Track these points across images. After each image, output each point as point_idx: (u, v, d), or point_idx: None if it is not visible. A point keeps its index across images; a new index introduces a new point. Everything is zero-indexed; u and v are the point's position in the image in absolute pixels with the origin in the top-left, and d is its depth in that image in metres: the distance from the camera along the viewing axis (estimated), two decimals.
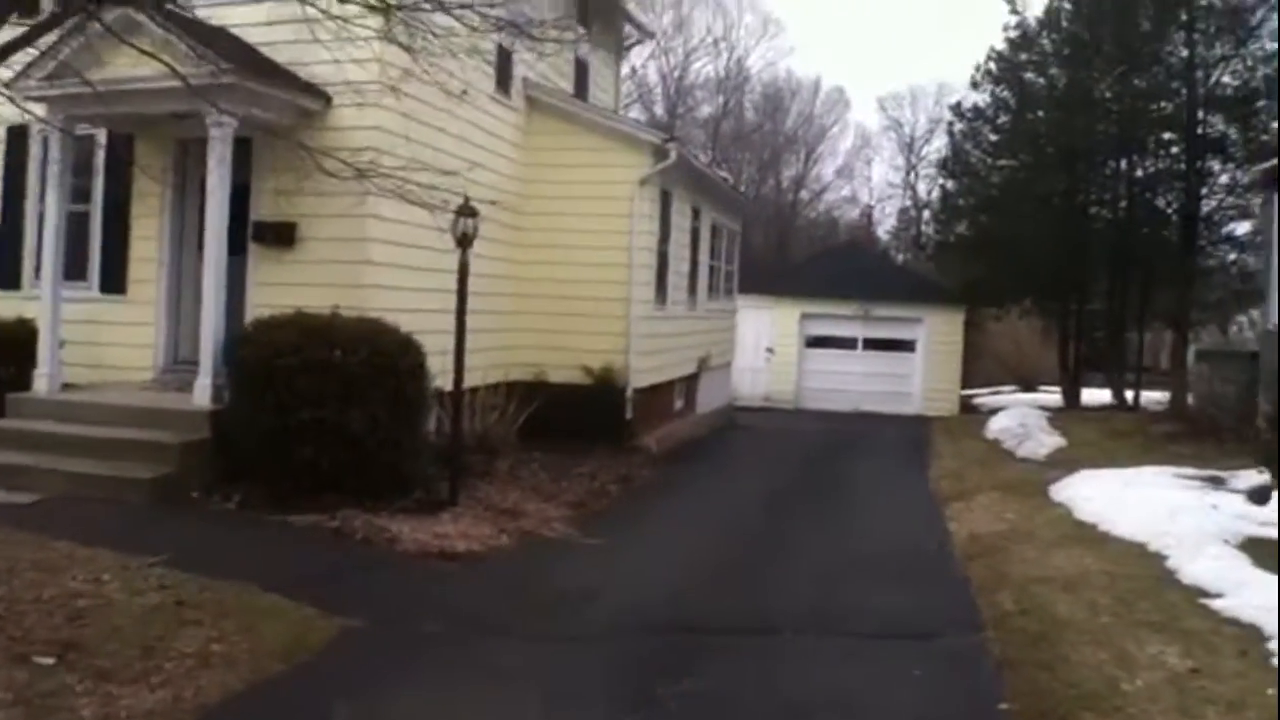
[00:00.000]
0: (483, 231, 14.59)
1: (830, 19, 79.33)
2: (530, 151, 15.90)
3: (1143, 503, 10.31)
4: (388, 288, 11.85)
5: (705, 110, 54.91)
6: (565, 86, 17.20)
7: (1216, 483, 12.15)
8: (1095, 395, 29.04)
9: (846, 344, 29.01)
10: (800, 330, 28.90)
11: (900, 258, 48.96)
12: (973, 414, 27.41)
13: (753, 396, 28.16)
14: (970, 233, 27.07)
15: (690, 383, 19.74)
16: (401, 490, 10.26)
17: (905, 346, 28.54)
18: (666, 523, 11.31)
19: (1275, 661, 6.04)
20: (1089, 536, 9.61)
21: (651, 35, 31.74)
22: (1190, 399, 19.53)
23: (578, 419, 14.80)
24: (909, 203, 59.20)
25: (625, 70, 42.11)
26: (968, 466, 15.35)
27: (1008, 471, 14.40)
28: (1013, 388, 37.59)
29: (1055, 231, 25.55)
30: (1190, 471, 12.78)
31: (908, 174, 60.59)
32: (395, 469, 10.21)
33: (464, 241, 10.51)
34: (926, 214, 59.69)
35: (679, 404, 19.03)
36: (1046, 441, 16.38)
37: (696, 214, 19.30)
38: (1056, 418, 20.66)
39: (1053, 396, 32.84)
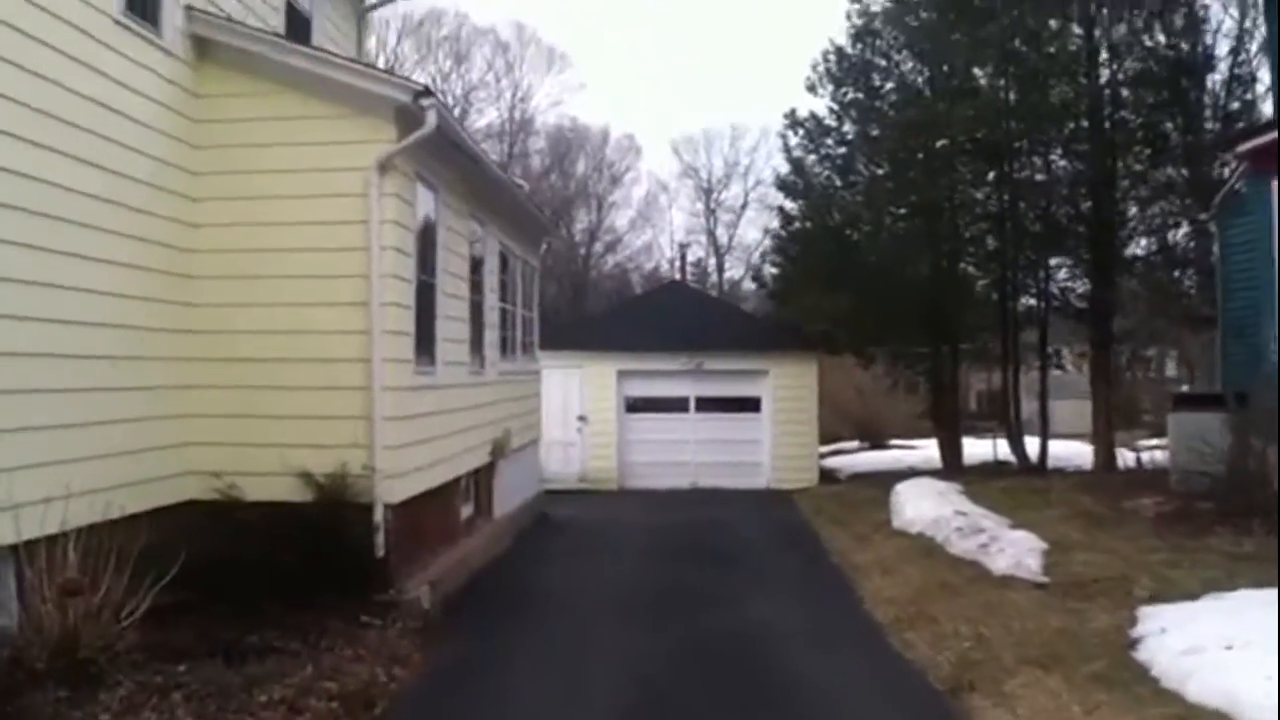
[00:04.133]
0: (108, 250, 8.37)
1: (617, 62, 75.57)
2: (202, 125, 9.71)
3: None
4: None
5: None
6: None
7: None
8: (971, 450, 24.34)
9: (676, 406, 23.29)
10: (618, 391, 23.07)
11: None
12: (833, 483, 22.24)
13: (565, 476, 22.17)
14: (822, 263, 21.83)
15: (482, 477, 13.62)
16: None
17: (748, 405, 23.02)
18: None
19: None
20: None
21: None
22: (1168, 458, 14.70)
23: (295, 564, 8.59)
24: (704, 252, 55.10)
25: None
26: (924, 595, 9.73)
27: (1008, 608, 8.77)
28: (856, 444, 32.91)
29: (926, 255, 20.75)
30: None
31: (707, 219, 56.70)
32: None
33: None
34: (728, 260, 56.14)
35: (467, 511, 12.88)
36: (1019, 542, 10.91)
37: (478, 232, 13.33)
38: (978, 492, 15.42)
39: (915, 454, 28.16)
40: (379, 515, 9.35)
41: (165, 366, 9.14)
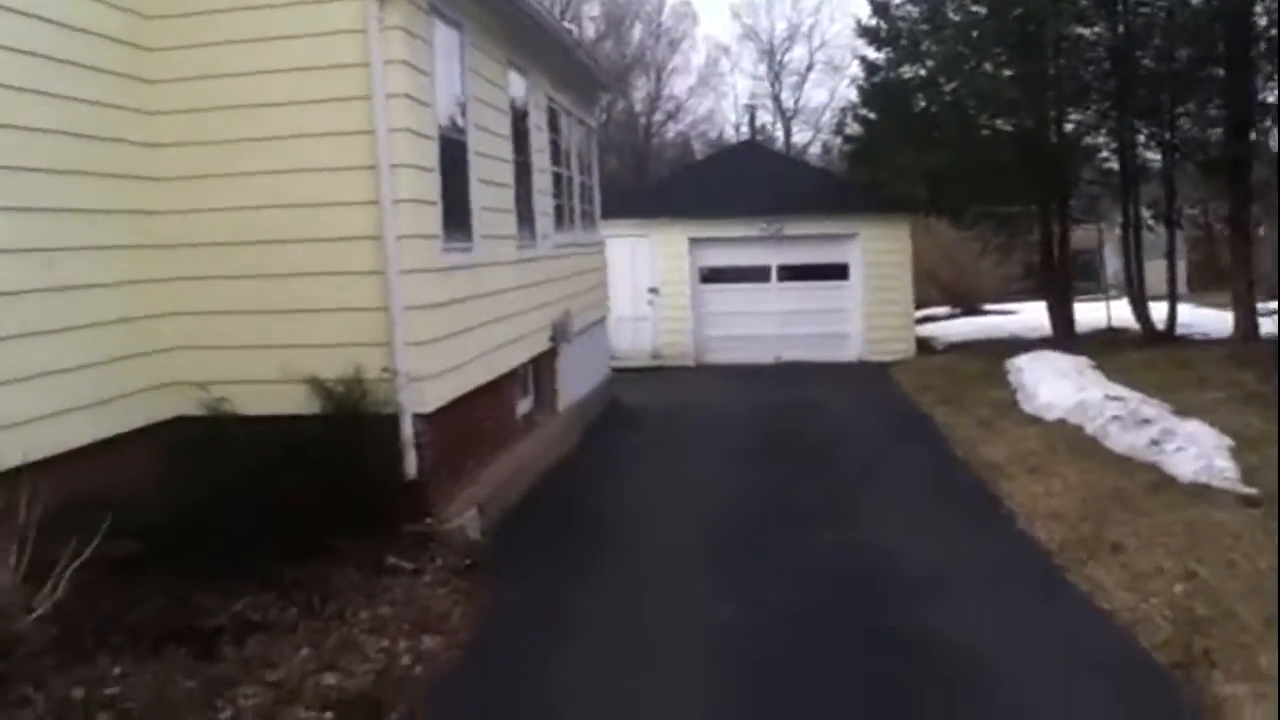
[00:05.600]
0: (34, 117, 6.41)
1: None
2: None
3: None
4: None
5: None
6: None
7: None
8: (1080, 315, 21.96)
9: (756, 275, 21.03)
10: (691, 261, 20.86)
11: None
12: (931, 354, 20.11)
13: (637, 353, 20.25)
14: (914, 117, 19.30)
15: (543, 365, 11.73)
16: None
17: (836, 273, 20.74)
18: None
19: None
20: None
21: None
22: None
23: (301, 495, 6.72)
24: (770, 117, 52.01)
25: None
26: (1096, 510, 7.66)
27: (1218, 532, 6.64)
28: (947, 311, 30.57)
29: (1033, 103, 18.14)
30: None
31: (771, 84, 53.49)
32: None
33: None
34: (794, 125, 52.96)
35: (525, 406, 11.02)
36: (1198, 437, 8.74)
37: (520, 83, 11.21)
38: (1112, 367, 13.23)
39: (1015, 320, 25.86)
40: (408, 428, 7.49)
41: (128, 256, 7.27)
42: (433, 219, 8.00)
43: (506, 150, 10.46)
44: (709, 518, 8.67)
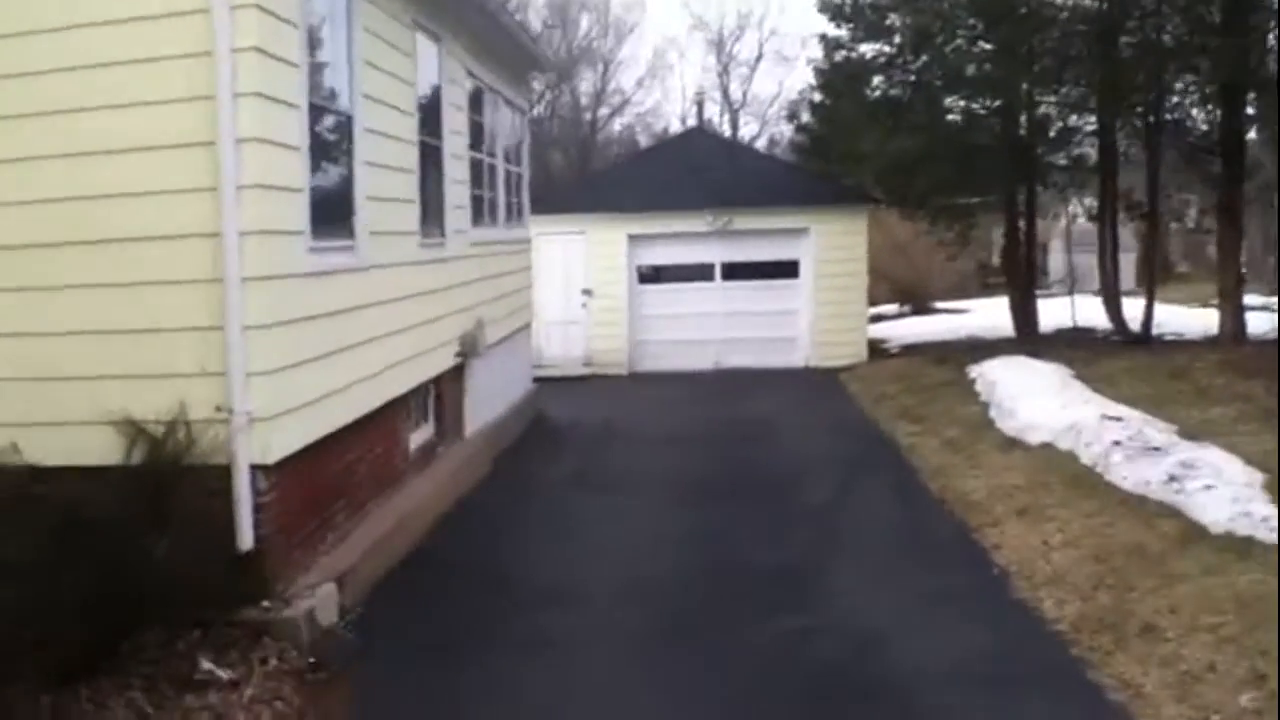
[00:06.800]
0: None
1: None
2: None
3: None
4: None
5: None
6: None
7: None
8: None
9: (698, 274, 19.50)
10: (629, 260, 19.27)
11: None
12: (883, 358, 18.70)
13: (567, 361, 18.73)
14: (877, 99, 17.82)
15: (446, 386, 10.06)
16: None
17: (785, 271, 19.25)
18: None
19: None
20: None
21: None
22: None
23: (92, 578, 5.05)
24: (717, 109, 50.58)
25: None
26: (1112, 572, 6.17)
27: None
28: (896, 309, 29.24)
29: (1007, 77, 16.69)
30: None
31: (720, 76, 52.06)
32: None
33: None
34: (742, 117, 51.46)
35: (420, 437, 9.32)
36: (1223, 471, 7.25)
37: (431, 51, 9.58)
38: (1093, 376, 11.82)
39: (971, 320, 24.55)
40: (244, 484, 5.78)
41: None
42: (294, 210, 6.30)
43: (410, 130, 8.84)
44: (642, 589, 6.96)
